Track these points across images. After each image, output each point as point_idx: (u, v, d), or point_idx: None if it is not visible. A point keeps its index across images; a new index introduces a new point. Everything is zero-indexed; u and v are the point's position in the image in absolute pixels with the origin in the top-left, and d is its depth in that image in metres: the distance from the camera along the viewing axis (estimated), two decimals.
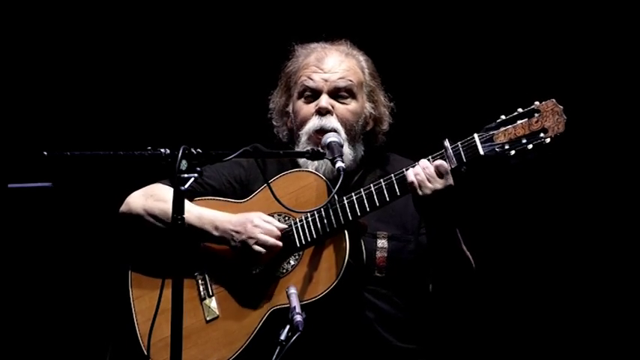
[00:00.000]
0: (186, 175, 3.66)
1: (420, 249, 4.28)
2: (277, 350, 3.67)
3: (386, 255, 4.25)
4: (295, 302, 3.80)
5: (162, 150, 3.73)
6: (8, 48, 5.94)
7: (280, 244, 4.18)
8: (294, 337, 3.69)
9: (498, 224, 5.83)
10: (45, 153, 3.61)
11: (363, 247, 4.19)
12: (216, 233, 4.25)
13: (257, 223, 4.20)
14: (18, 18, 5.94)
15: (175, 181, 3.65)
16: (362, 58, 4.45)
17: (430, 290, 4.32)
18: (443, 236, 4.14)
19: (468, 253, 4.22)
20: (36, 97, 5.97)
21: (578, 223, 5.79)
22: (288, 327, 3.72)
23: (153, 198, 4.34)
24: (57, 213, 5.93)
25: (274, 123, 4.50)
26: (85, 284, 5.94)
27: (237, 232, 4.21)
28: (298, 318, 3.73)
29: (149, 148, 3.74)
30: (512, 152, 4.00)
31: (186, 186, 3.64)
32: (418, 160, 4.10)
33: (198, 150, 3.75)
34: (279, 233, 4.19)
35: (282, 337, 3.69)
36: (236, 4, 5.99)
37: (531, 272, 5.84)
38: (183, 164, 3.68)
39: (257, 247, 4.18)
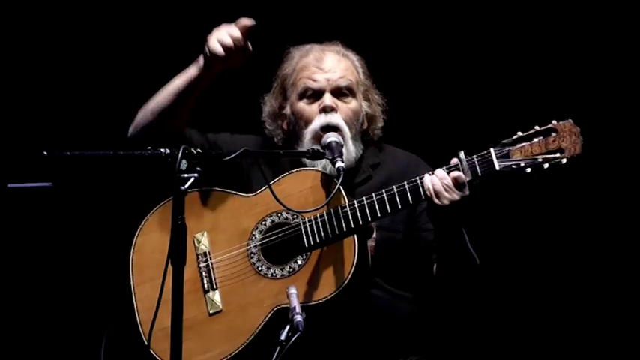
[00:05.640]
0: (186, 175, 3.66)
1: (419, 242, 4.32)
2: (277, 350, 3.67)
3: (374, 244, 4.28)
4: (295, 302, 3.80)
5: (162, 150, 3.73)
6: (8, 48, 5.94)
7: (238, 33, 4.18)
8: (294, 337, 3.69)
9: (498, 224, 5.83)
10: (45, 153, 3.62)
11: (369, 252, 4.20)
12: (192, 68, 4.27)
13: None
14: (18, 18, 5.94)
15: (175, 181, 3.65)
16: (355, 57, 4.49)
17: (431, 284, 4.34)
18: (450, 238, 4.16)
19: (472, 251, 4.24)
20: (36, 97, 5.96)
21: (579, 225, 5.79)
22: (288, 327, 3.72)
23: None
24: (57, 213, 5.92)
25: (267, 126, 4.50)
26: (84, 284, 5.94)
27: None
28: (298, 318, 3.73)
29: (149, 148, 3.75)
30: (528, 170, 4.03)
31: (186, 186, 3.65)
32: (419, 163, 4.14)
33: (198, 150, 3.75)
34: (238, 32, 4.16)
35: (282, 337, 3.70)
36: (237, 4, 5.99)
37: (527, 271, 5.84)
38: (183, 164, 3.68)
39: (214, 36, 4.15)
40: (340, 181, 4.11)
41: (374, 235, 4.28)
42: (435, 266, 4.30)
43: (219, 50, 4.15)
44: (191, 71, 4.27)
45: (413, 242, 4.34)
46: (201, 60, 4.24)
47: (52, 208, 5.91)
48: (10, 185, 4.09)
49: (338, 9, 5.87)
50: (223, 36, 4.15)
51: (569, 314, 5.81)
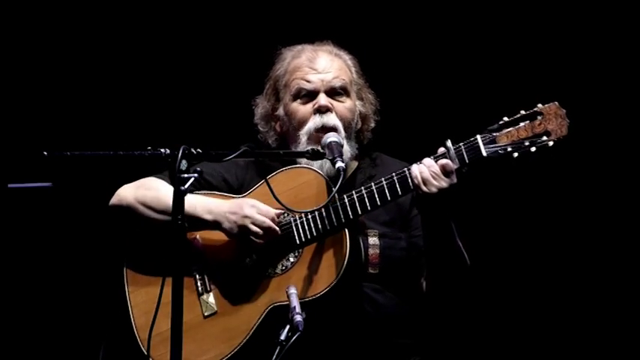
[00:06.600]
0: (186, 175, 3.67)
1: (412, 247, 4.30)
2: (277, 350, 3.67)
3: (378, 252, 4.25)
4: (295, 302, 3.80)
5: (162, 150, 3.73)
6: (8, 48, 5.94)
7: (277, 228, 4.15)
8: (294, 337, 3.69)
9: (494, 220, 5.83)
10: (45, 153, 3.62)
11: (362, 246, 4.19)
12: (209, 217, 4.19)
13: (253, 203, 4.17)
14: (18, 18, 5.94)
15: (175, 181, 3.65)
16: (347, 57, 4.47)
17: (424, 288, 4.32)
18: (439, 231, 4.15)
19: (463, 249, 4.23)
20: (36, 97, 5.97)
21: (575, 220, 5.79)
22: (288, 327, 3.72)
23: (144, 187, 4.30)
24: (57, 213, 5.93)
25: (260, 129, 4.48)
26: (84, 284, 5.94)
27: (232, 212, 4.16)
28: (298, 318, 3.73)
29: (149, 148, 3.75)
30: (515, 154, 4.03)
31: (186, 186, 3.65)
32: (410, 162, 4.12)
33: (198, 150, 3.75)
34: (274, 216, 4.15)
35: (282, 337, 3.70)
36: (237, 4, 6.00)
37: (526, 268, 5.84)
38: (183, 164, 3.68)
39: (254, 227, 4.12)
40: (340, 182, 4.10)
41: (377, 242, 4.27)
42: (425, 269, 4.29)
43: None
44: (199, 211, 4.20)
45: (411, 245, 4.33)
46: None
47: (52, 208, 5.91)
48: (10, 185, 4.09)
49: (322, 7, 5.87)
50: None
51: (568, 314, 5.81)
